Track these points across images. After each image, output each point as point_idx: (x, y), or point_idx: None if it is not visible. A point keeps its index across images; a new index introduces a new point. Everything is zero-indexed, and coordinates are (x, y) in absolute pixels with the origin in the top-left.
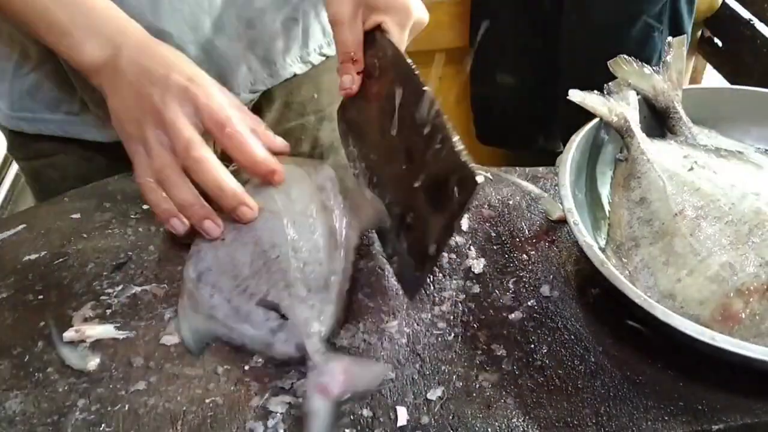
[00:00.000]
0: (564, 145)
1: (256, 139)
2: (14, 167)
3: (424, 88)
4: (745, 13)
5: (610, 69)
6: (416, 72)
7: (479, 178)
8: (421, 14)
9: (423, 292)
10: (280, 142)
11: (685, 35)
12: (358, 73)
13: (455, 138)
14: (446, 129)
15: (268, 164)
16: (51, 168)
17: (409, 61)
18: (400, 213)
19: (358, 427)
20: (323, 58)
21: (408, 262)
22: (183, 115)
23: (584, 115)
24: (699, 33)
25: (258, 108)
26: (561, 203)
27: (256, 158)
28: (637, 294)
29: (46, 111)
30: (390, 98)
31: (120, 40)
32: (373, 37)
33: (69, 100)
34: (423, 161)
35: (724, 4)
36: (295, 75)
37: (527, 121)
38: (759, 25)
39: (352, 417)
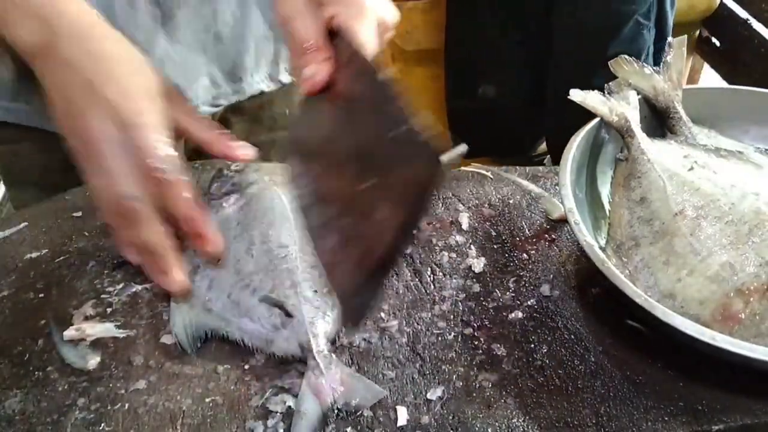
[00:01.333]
0: (549, 147)
1: (185, 188)
2: None
3: (382, 76)
4: (743, 14)
5: (611, 69)
6: (372, 65)
7: (445, 161)
8: (383, 13)
9: (423, 291)
10: (243, 153)
11: (684, 36)
12: (322, 61)
13: (417, 121)
14: (404, 115)
15: (193, 224)
16: (15, 156)
17: (364, 56)
18: (348, 223)
19: (359, 427)
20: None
21: (358, 280)
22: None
23: (573, 116)
24: (697, 33)
25: (224, 120)
26: (562, 203)
27: (184, 212)
28: (637, 294)
29: (7, 99)
30: (347, 98)
31: (56, 22)
32: (333, 39)
33: (28, 89)
34: (378, 154)
35: (722, 4)
36: (262, 92)
37: (512, 129)
38: (757, 25)
39: (352, 417)
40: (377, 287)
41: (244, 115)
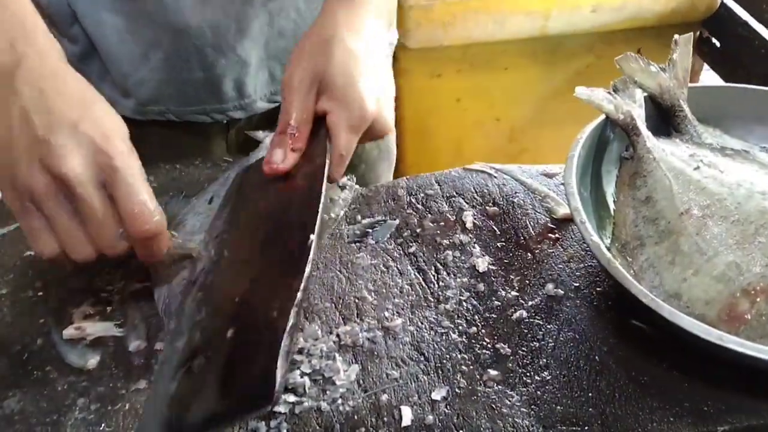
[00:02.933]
0: None
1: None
2: None
3: (311, 237)
4: (743, 14)
5: (617, 66)
6: (317, 204)
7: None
8: (380, 125)
9: (427, 290)
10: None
11: (691, 34)
12: (293, 150)
13: (283, 338)
14: (284, 315)
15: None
16: None
17: (322, 185)
18: (196, 346)
19: (363, 428)
20: None
21: (164, 409)
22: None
23: None
24: (697, 33)
25: (272, 117)
26: (567, 201)
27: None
28: (644, 293)
29: None
30: (282, 210)
31: (22, 49)
32: (318, 131)
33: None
34: (252, 315)
35: (722, 4)
36: None
37: None
38: (757, 26)
39: (356, 417)
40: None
41: None
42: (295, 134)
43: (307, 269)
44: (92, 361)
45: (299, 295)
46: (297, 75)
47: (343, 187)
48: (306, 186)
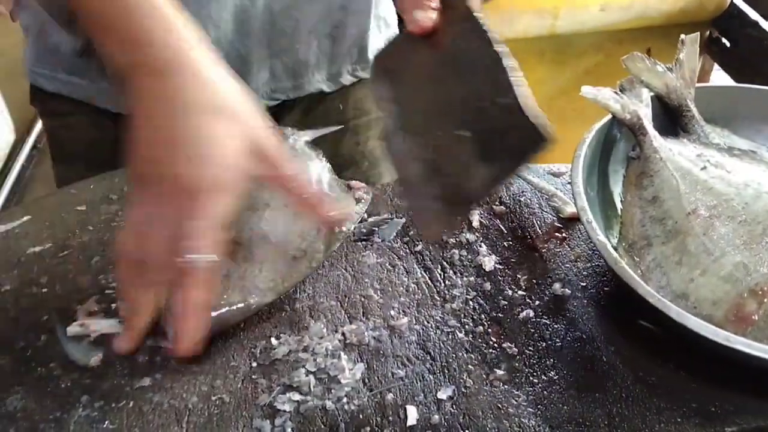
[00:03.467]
0: None
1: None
2: (20, 160)
3: (495, 43)
4: (753, 14)
5: (623, 66)
6: (491, 31)
7: (550, 134)
8: None
9: (433, 289)
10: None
11: (698, 33)
12: (432, 9)
13: (523, 96)
14: (512, 86)
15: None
16: (65, 128)
17: (480, 18)
18: (433, 159)
19: (368, 428)
20: (355, 80)
21: (435, 206)
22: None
23: None
24: (707, 33)
25: (277, 112)
26: (573, 201)
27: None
28: (651, 294)
29: (64, 71)
30: (449, 51)
31: (153, 53)
32: None
33: (87, 64)
34: (480, 113)
35: (732, 4)
36: (321, 91)
37: None
38: (767, 26)
39: (361, 416)
40: (456, 216)
41: (295, 107)
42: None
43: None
44: (96, 358)
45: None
46: None
47: (358, 201)
48: (462, 27)
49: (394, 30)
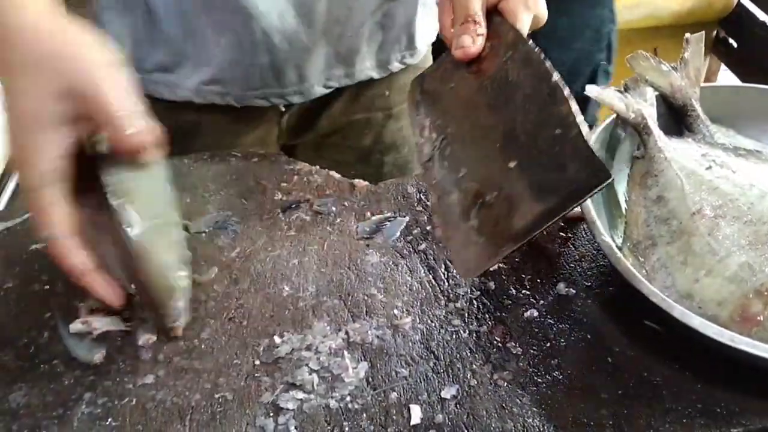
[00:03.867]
0: None
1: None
2: None
3: (553, 74)
4: (761, 15)
5: (628, 65)
6: (543, 57)
7: (612, 177)
8: (540, 6)
9: (437, 288)
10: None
11: (702, 32)
12: (478, 35)
13: (584, 129)
14: (573, 117)
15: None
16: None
17: (533, 45)
18: (476, 190)
19: (372, 426)
20: (403, 66)
21: (474, 239)
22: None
23: None
24: (714, 33)
25: (328, 98)
26: None
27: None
28: (655, 294)
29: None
30: (496, 78)
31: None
32: (490, 20)
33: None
34: (530, 143)
35: (739, 4)
36: (370, 78)
37: None
38: None
39: (365, 415)
40: (498, 255)
41: (344, 93)
42: (477, 21)
43: (571, 101)
44: (99, 355)
45: (573, 110)
46: None
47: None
48: (510, 54)
49: None
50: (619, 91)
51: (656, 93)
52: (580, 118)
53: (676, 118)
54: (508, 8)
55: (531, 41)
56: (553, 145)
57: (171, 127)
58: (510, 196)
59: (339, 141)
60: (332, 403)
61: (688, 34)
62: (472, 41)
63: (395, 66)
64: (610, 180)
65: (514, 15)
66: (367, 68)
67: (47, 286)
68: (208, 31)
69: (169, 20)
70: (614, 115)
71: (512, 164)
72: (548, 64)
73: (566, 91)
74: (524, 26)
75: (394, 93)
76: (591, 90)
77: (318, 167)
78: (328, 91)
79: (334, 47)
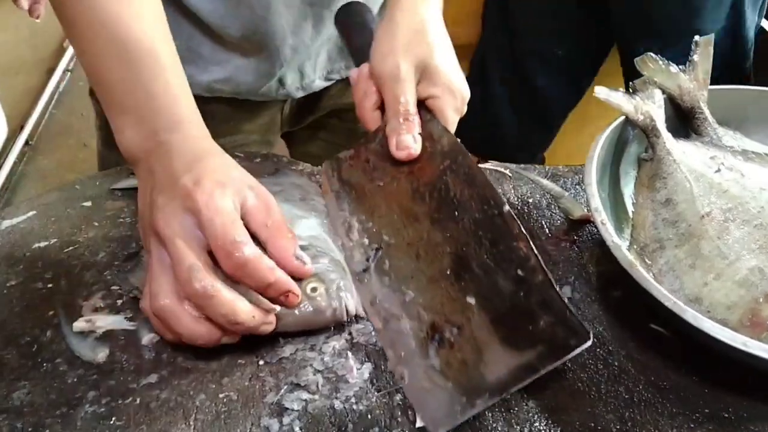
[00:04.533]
0: None
1: (265, 261)
2: (13, 155)
3: (504, 203)
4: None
5: (637, 67)
6: (484, 175)
7: (590, 340)
8: (464, 110)
9: None
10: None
11: (712, 35)
12: (419, 134)
13: (548, 273)
14: (536, 259)
15: (280, 286)
16: None
17: (471, 158)
18: (432, 321)
19: (376, 428)
20: None
21: (440, 383)
22: (183, 235)
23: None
24: None
25: (326, 93)
26: (587, 202)
27: (269, 281)
28: (667, 297)
29: None
30: (435, 187)
31: (165, 138)
32: (420, 115)
33: None
34: (488, 280)
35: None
36: None
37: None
38: None
39: (369, 416)
40: (469, 409)
41: (342, 81)
42: (412, 118)
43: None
44: (102, 354)
45: (532, 249)
46: (404, 66)
47: None
48: (448, 164)
49: None
50: (628, 93)
51: (664, 95)
52: (540, 260)
53: (684, 121)
54: (438, 107)
55: (468, 154)
56: (517, 289)
57: None
58: (475, 339)
59: (336, 123)
60: (337, 404)
61: (697, 37)
62: (414, 141)
63: None
64: (589, 343)
65: (445, 117)
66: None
67: (50, 285)
68: (227, 36)
69: (192, 17)
70: (623, 117)
71: (470, 300)
72: (494, 188)
73: (518, 224)
74: (453, 127)
75: None
76: (599, 92)
77: (320, 167)
78: (329, 83)
79: (334, 42)
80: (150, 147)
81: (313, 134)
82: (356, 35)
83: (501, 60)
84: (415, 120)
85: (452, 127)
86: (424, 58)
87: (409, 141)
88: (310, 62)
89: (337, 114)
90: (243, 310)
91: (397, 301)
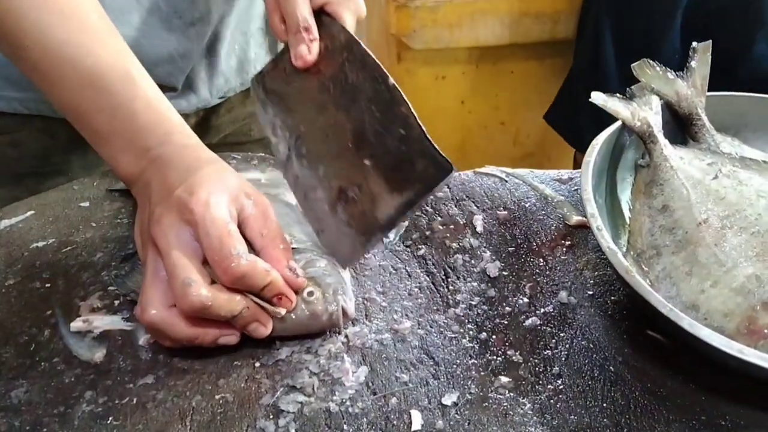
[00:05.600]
0: None
1: (260, 265)
2: None
3: (388, 77)
4: None
5: (634, 72)
6: (374, 58)
7: (454, 172)
8: (362, 8)
9: (437, 293)
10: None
11: (710, 41)
12: (311, 41)
13: (423, 127)
14: (414, 118)
15: (274, 288)
16: (10, 146)
17: (364, 46)
18: (339, 186)
19: (372, 431)
20: None
21: (346, 231)
22: (179, 246)
23: None
24: None
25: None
26: (582, 208)
27: (264, 284)
28: (663, 304)
29: (11, 89)
30: (337, 78)
31: (157, 152)
32: (320, 20)
33: None
34: (379, 142)
35: None
36: None
37: None
38: None
39: (365, 419)
40: (371, 244)
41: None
42: (307, 27)
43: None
44: (99, 354)
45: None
46: None
47: None
48: (346, 56)
49: None
50: (625, 99)
51: (662, 101)
52: (417, 118)
53: (681, 127)
54: (334, 11)
55: (362, 43)
56: (400, 144)
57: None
58: (371, 192)
59: (242, 138)
60: (332, 407)
61: (695, 43)
62: (308, 50)
63: None
64: (453, 172)
65: (341, 17)
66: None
67: (48, 284)
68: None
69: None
70: (619, 123)
71: (367, 162)
72: (379, 65)
73: (400, 92)
74: (351, 26)
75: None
76: (596, 97)
77: None
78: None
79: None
80: (144, 165)
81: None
82: None
83: None
84: (311, 31)
85: (351, 27)
86: None
87: (303, 51)
88: (203, 81)
89: (241, 125)
90: (238, 303)
91: (313, 176)
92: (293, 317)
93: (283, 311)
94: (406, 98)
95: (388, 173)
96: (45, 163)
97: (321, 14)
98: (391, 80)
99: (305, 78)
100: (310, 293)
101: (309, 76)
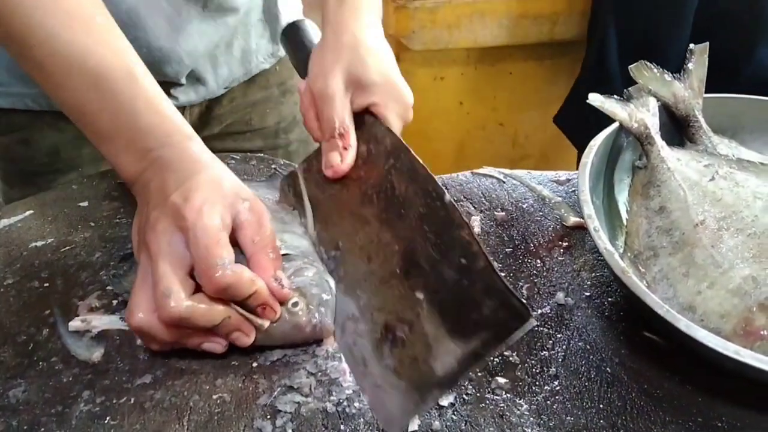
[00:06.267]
0: None
1: (245, 274)
2: None
3: (445, 193)
4: None
5: (631, 74)
6: (426, 168)
7: (533, 320)
8: (410, 116)
9: None
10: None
11: (707, 43)
12: (345, 149)
13: (491, 260)
14: (477, 246)
15: (258, 297)
16: (21, 144)
17: (414, 154)
18: (385, 322)
19: (369, 431)
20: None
21: (394, 382)
22: (169, 253)
23: None
24: None
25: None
26: (580, 209)
27: (249, 293)
28: (660, 305)
29: (22, 85)
30: (381, 188)
31: (157, 153)
32: (362, 120)
33: None
34: (434, 271)
35: None
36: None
37: None
38: None
39: (362, 419)
40: (423, 403)
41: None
42: (343, 133)
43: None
44: (97, 353)
45: (474, 236)
46: (331, 84)
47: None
48: (392, 163)
49: None
50: (622, 100)
51: (659, 103)
52: (482, 246)
53: (678, 129)
54: (380, 113)
55: (411, 150)
56: (460, 277)
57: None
58: (425, 334)
59: (243, 128)
60: (329, 407)
61: (692, 45)
62: (341, 159)
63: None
64: (533, 323)
65: (388, 122)
66: (260, 62)
67: (47, 284)
68: None
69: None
70: (616, 124)
71: (419, 295)
72: (435, 179)
73: (459, 213)
74: (397, 132)
75: (283, 67)
76: (594, 99)
77: None
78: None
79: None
80: (145, 165)
81: (223, 146)
82: (299, 52)
83: None
84: (347, 138)
85: (397, 131)
86: (355, 72)
87: (334, 159)
88: (209, 74)
89: (243, 115)
90: (219, 313)
91: (351, 304)
92: (276, 327)
93: (266, 323)
94: (465, 219)
95: (446, 312)
96: (56, 159)
97: (365, 115)
98: (448, 196)
99: (343, 185)
100: (295, 304)
101: (348, 182)
